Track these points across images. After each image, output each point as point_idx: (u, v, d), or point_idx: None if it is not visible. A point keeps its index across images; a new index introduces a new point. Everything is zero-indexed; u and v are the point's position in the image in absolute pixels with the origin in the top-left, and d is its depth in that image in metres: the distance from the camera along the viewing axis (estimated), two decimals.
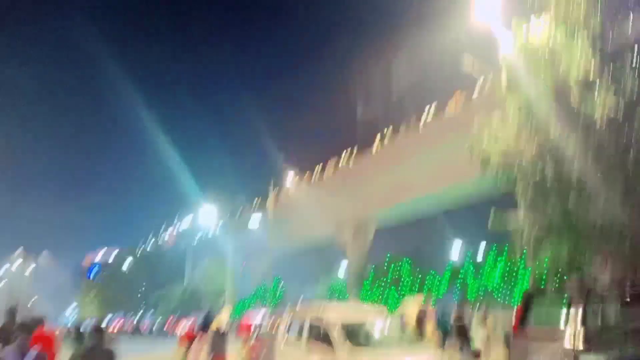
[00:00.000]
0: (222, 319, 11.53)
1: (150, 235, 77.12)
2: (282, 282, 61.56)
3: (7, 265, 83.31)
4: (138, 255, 64.91)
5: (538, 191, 10.08)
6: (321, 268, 56.99)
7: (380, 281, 36.63)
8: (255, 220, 39.37)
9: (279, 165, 37.19)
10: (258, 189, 52.59)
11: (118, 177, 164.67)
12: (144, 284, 54.34)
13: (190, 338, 13.63)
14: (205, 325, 13.14)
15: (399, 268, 36.69)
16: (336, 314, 8.43)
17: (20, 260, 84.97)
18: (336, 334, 7.68)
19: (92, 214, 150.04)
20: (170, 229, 78.51)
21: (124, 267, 61.49)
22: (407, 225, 50.20)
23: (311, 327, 8.46)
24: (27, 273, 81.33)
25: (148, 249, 70.55)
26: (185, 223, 73.99)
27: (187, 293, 45.29)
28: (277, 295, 53.12)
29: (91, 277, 68.45)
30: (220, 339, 10.74)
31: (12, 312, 8.44)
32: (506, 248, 27.39)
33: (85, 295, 60.32)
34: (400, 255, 38.97)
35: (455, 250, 49.08)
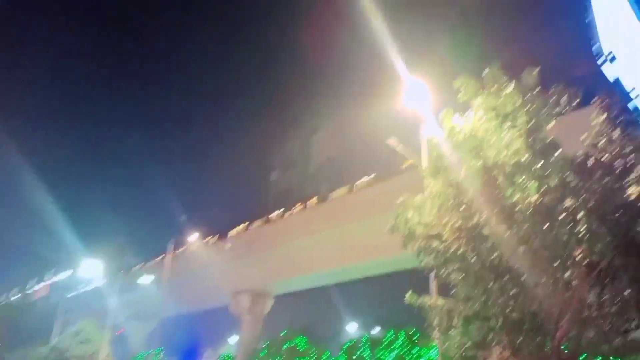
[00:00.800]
0: None
1: (15, 288, 68.14)
2: (164, 351, 56.73)
3: None
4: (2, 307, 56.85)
5: (457, 276, 10.01)
6: (210, 338, 53.37)
7: (273, 357, 34.68)
8: (144, 280, 36.23)
9: (179, 226, 35.07)
10: (153, 248, 49.22)
11: None
12: (0, 341, 47.01)
13: None
14: None
15: (293, 344, 35.09)
16: None
17: None
18: None
19: None
20: (41, 282, 70.02)
21: None
22: (304, 298, 49.34)
23: None
24: None
25: (10, 302, 62.01)
26: (59, 276, 66.36)
27: (52, 355, 39.52)
28: None
29: None
30: None
31: None
32: (406, 327, 27.60)
33: None
34: (296, 330, 37.52)
35: (352, 326, 48.56)
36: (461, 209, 9.88)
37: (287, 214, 37.62)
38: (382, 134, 15.60)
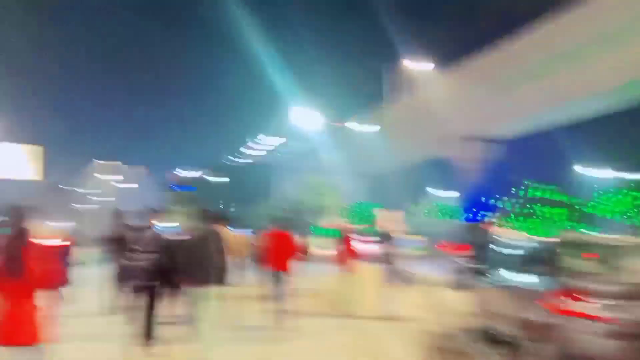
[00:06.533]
0: None
1: (237, 151, 74.00)
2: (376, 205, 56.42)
3: (104, 179, 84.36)
4: (225, 172, 62.55)
5: None
6: (422, 188, 50.75)
7: (517, 208, 30.01)
8: (362, 129, 33.60)
9: (394, 63, 29.50)
10: (367, 94, 44.89)
11: (204, 93, 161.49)
12: (233, 200, 51.49)
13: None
14: None
15: (538, 193, 29.73)
16: None
17: (119, 176, 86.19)
18: None
19: (176, 132, 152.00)
20: (258, 143, 74.56)
21: (211, 184, 59.40)
22: (532, 142, 42.07)
23: None
24: (124, 187, 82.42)
25: (236, 165, 67.74)
26: (272, 139, 69.55)
27: (294, 206, 41.19)
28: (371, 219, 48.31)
29: (179, 193, 67.53)
30: None
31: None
32: None
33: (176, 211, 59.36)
34: (530, 177, 31.85)
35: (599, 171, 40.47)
36: None
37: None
38: None
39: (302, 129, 37.79)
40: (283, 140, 58.86)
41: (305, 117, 32.78)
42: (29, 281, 3.28)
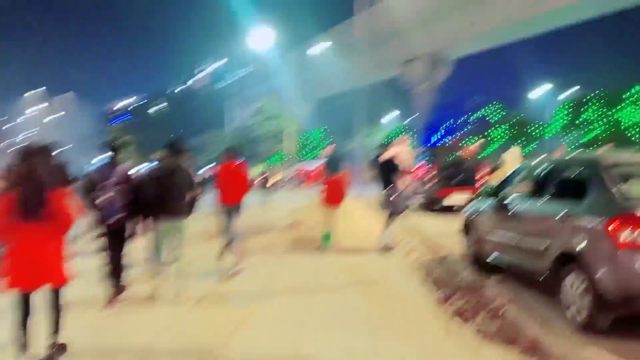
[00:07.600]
0: None
1: (183, 78, 69.66)
2: (326, 130, 56.09)
3: (31, 109, 78.65)
4: (171, 100, 59.39)
5: None
6: (369, 116, 50.44)
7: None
8: (315, 50, 32.13)
9: None
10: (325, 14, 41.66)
11: (150, 16, 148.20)
12: (180, 130, 49.44)
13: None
14: None
15: (486, 113, 30.27)
16: None
17: (44, 104, 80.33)
18: None
19: (119, 58, 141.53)
20: (203, 71, 70.28)
21: (156, 113, 56.43)
22: (481, 61, 41.99)
23: None
24: (53, 117, 77.25)
25: (182, 93, 64.21)
26: (220, 62, 65.40)
27: (238, 135, 39.42)
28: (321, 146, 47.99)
29: (120, 123, 63.74)
30: None
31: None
32: None
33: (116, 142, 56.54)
34: (487, 97, 32.22)
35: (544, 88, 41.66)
36: None
37: None
38: None
39: (255, 52, 35.55)
40: (233, 64, 55.51)
41: (259, 39, 30.53)
42: (53, 224, 3.19)
